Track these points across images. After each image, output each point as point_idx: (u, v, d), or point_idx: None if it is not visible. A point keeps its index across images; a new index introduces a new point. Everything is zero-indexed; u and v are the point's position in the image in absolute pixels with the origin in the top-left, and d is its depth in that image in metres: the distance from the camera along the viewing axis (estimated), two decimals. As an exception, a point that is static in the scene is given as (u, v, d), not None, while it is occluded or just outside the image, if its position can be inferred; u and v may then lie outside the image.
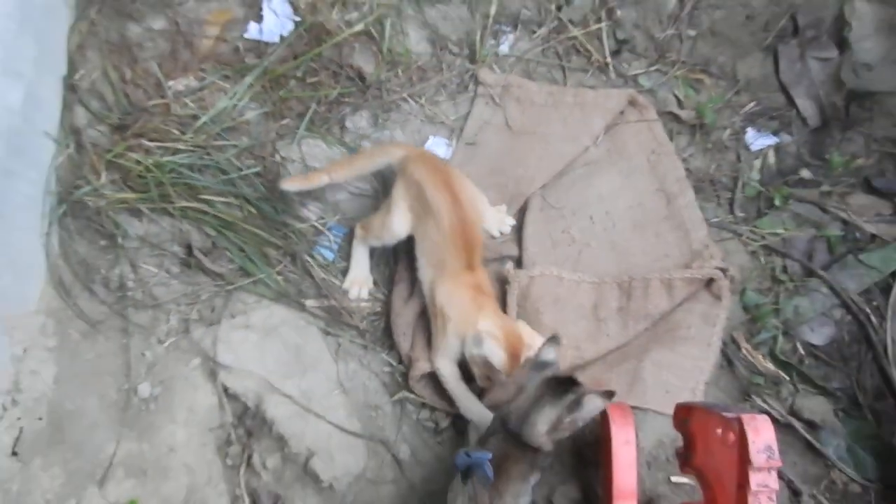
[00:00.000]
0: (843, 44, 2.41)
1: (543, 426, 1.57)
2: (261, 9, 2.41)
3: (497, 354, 1.87)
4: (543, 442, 1.57)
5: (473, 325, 1.89)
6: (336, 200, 2.29)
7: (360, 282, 2.19)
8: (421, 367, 2.04)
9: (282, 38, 2.39)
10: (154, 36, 2.39)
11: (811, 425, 2.06)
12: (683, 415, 1.76)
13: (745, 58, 2.48)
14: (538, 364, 1.66)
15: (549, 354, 1.67)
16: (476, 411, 1.94)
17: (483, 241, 2.05)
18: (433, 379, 2.09)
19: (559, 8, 2.48)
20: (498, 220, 2.20)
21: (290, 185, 2.16)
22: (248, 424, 2.05)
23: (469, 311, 1.93)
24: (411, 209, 2.04)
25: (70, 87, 2.28)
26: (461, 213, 1.97)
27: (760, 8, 2.50)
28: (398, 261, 2.21)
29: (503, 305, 2.13)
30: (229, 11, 2.42)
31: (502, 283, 2.17)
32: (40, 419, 2.02)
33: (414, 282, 2.15)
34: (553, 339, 1.69)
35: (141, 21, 2.39)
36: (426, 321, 2.11)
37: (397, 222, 2.06)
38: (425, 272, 2.04)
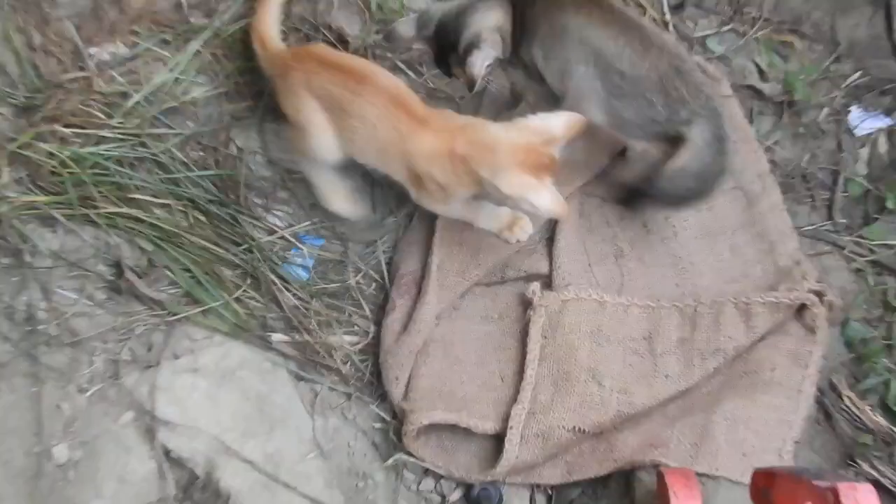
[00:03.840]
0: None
1: None
2: (210, -47, 2.45)
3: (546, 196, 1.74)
4: None
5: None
6: (310, 203, 2.21)
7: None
8: (417, 419, 1.95)
9: (238, -9, 2.43)
10: (71, -11, 2.43)
11: (934, 497, 2.08)
12: (764, 483, 1.65)
13: (847, 13, 2.37)
14: None
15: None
16: None
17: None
18: (437, 436, 2.01)
19: (600, -50, 2.52)
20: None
21: None
22: (196, 498, 1.94)
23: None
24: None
25: (-38, 57, 2.32)
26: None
27: (869, -52, 2.54)
28: (391, 282, 2.13)
29: (522, 342, 2.04)
30: (169, -44, 2.47)
31: (525, 309, 2.07)
32: (-75, 493, 2.04)
33: (410, 312, 2.06)
34: None
35: (54, -30, 2.43)
36: (427, 362, 2.01)
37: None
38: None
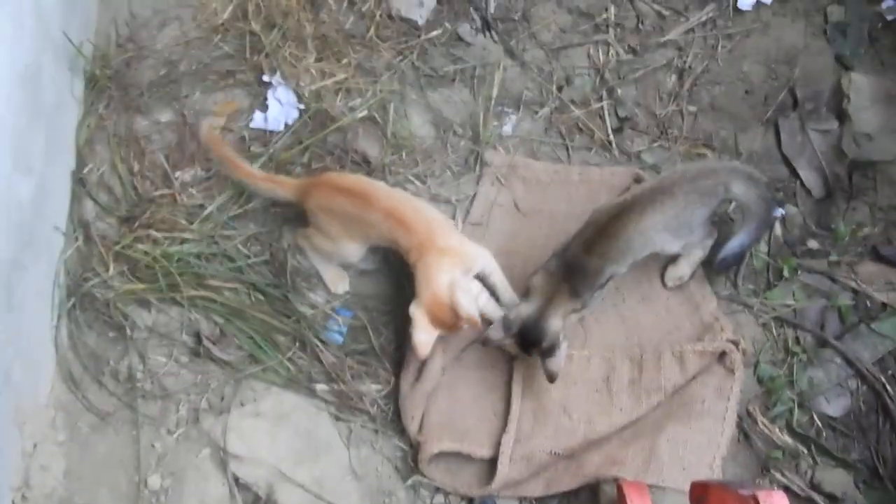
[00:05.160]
0: (842, 115, 2.55)
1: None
2: (266, 98, 2.57)
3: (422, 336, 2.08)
4: None
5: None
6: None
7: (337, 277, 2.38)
8: (429, 448, 2.14)
9: (287, 126, 2.54)
10: (161, 128, 2.53)
11: (832, 499, 2.14)
12: (699, 493, 1.83)
13: (746, 132, 2.60)
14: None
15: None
16: None
17: None
18: (445, 461, 2.18)
19: (560, 88, 2.64)
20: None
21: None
22: (259, 515, 2.09)
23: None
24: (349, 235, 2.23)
25: (79, 180, 2.41)
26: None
27: (759, 83, 2.64)
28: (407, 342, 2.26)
29: (509, 385, 2.26)
30: (234, 102, 2.57)
31: (511, 360, 2.29)
32: (50, 516, 2.06)
33: (421, 366, 2.24)
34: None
35: (148, 114, 2.54)
36: (436, 403, 2.22)
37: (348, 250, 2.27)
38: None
